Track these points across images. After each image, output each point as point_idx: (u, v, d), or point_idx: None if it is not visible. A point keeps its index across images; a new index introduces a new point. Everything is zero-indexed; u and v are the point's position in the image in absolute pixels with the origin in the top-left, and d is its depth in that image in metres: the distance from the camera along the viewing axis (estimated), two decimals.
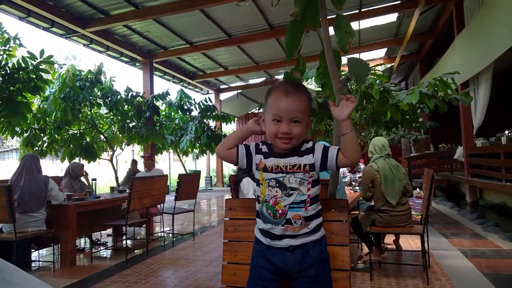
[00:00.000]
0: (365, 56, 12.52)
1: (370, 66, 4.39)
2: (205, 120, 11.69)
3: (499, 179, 5.99)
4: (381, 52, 12.60)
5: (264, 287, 1.35)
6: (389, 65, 13.47)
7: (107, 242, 5.51)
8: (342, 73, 2.82)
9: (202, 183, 15.94)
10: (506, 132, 6.36)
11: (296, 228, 1.30)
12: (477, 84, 7.07)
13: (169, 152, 14.32)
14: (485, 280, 3.29)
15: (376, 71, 5.39)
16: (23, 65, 4.95)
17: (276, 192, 1.29)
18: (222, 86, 15.71)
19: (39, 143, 6.94)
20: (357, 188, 4.85)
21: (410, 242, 4.77)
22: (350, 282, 1.44)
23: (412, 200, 4.05)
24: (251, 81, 15.18)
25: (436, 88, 4.37)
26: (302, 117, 1.28)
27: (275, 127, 1.28)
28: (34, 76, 5.04)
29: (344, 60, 1.89)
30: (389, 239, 4.59)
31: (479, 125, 7.22)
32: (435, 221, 6.24)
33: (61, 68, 6.92)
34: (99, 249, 5.12)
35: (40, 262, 4.52)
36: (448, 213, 7.16)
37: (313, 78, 5.06)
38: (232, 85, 15.52)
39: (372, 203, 4.57)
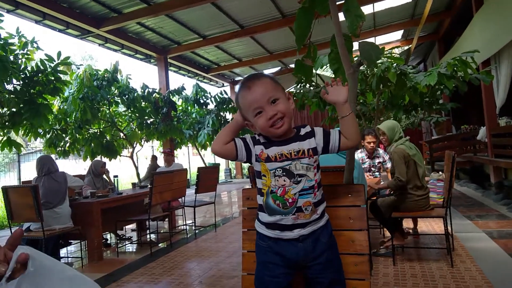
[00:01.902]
0: (381, 39, 12.25)
1: (386, 49, 4.32)
2: (221, 113, 11.72)
3: None
4: (398, 35, 12.29)
5: (277, 283, 1.31)
6: (406, 47, 13.16)
7: (132, 237, 5.67)
8: (355, 58, 2.78)
9: (222, 176, 16.08)
10: None
11: (307, 215, 1.27)
12: (498, 62, 6.83)
13: (188, 146, 14.48)
14: None
15: (393, 54, 5.29)
16: (42, 67, 5.05)
17: (284, 181, 1.26)
18: (237, 78, 15.71)
19: (62, 143, 7.12)
20: (377, 173, 4.79)
21: (433, 226, 4.71)
22: (369, 266, 1.44)
23: (433, 183, 3.99)
24: (266, 71, 15.09)
25: (455, 68, 4.26)
26: (276, 94, 1.27)
27: (262, 118, 1.26)
28: (52, 78, 5.14)
29: (356, 45, 1.86)
30: (409, 223, 4.55)
31: (502, 104, 7.00)
32: (459, 203, 6.13)
33: (78, 69, 7.05)
34: (124, 243, 5.27)
35: (69, 259, 4.69)
36: (472, 195, 7.01)
37: (328, 65, 5.02)
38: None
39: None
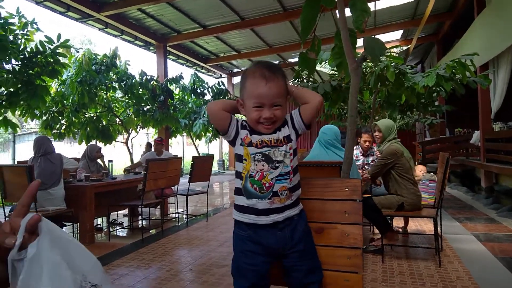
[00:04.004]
0: (380, 38, 12.23)
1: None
2: None
3: None
4: (397, 34, 12.31)
5: (255, 271, 1.34)
6: (405, 47, 13.18)
7: (123, 222, 5.68)
8: (357, 54, 2.78)
9: (215, 166, 16.09)
10: None
11: (282, 199, 1.31)
12: (497, 66, 6.87)
13: (183, 135, 14.45)
14: (498, 264, 3.29)
15: (392, 53, 5.31)
16: (41, 49, 5.00)
17: (263, 166, 1.30)
18: (235, 70, 15.66)
19: (58, 125, 7.09)
20: None
21: (423, 226, 4.77)
22: (363, 259, 1.47)
23: (425, 183, 4.03)
24: None
25: (454, 70, 4.29)
26: (281, 101, 1.30)
27: (257, 113, 1.29)
28: (51, 60, 5.09)
29: (359, 41, 1.88)
30: (398, 222, 4.60)
31: (498, 109, 7.06)
32: (449, 205, 6.21)
33: (78, 52, 6.98)
34: (116, 228, 5.27)
35: None
36: (462, 198, 7.10)
37: (327, 61, 5.02)
38: (245, 68, 15.44)
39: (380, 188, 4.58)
